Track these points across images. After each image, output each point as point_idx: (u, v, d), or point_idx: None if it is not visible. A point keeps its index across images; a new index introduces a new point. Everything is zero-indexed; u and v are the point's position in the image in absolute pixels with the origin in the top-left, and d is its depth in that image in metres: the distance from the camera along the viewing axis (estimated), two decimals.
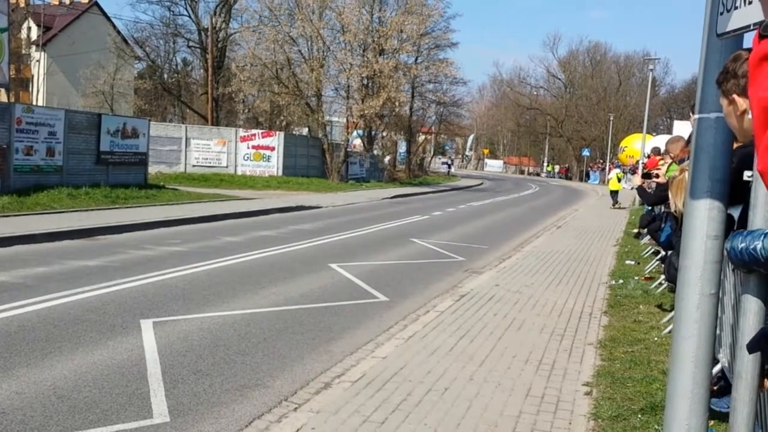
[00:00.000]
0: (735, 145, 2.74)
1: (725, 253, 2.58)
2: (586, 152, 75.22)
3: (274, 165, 34.12)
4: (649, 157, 18.39)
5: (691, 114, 7.36)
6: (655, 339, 7.09)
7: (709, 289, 2.68)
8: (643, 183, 9.61)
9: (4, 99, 23.00)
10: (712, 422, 4.32)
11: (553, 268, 12.07)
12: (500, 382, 5.67)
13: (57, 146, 19.08)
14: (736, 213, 3.09)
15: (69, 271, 9.63)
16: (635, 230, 17.98)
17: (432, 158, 73.66)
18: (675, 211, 5.11)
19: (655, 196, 8.65)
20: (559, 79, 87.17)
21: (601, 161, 72.60)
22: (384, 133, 49.28)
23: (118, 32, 50.75)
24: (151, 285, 9.05)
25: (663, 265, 11.42)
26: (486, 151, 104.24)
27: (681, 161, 7.25)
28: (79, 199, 17.63)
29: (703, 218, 2.66)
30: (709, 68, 2.59)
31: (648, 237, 14.20)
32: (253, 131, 35.79)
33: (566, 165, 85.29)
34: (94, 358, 5.95)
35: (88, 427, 4.57)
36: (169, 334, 6.82)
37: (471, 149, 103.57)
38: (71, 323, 6.97)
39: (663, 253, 11.68)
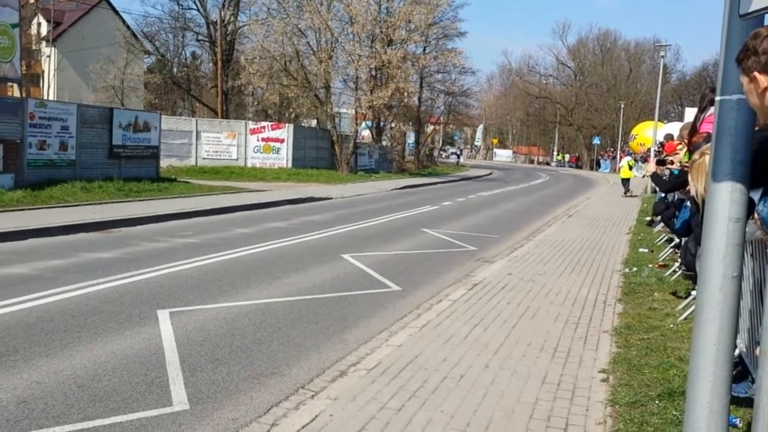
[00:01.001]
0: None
1: (757, 216, 2.58)
2: (596, 141, 74.77)
3: (283, 157, 34.16)
4: (662, 144, 18.26)
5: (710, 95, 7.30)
6: (671, 326, 7.08)
7: (731, 271, 2.68)
8: (658, 169, 9.56)
9: (17, 94, 23.09)
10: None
11: (566, 257, 12.06)
12: (516, 370, 5.68)
13: (70, 140, 19.17)
14: (756, 196, 3.08)
15: (85, 263, 9.70)
16: (648, 218, 17.92)
17: (441, 149, 73.51)
18: (695, 195, 5.08)
19: (670, 183, 8.60)
20: (569, 67, 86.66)
21: (612, 150, 72.25)
22: (393, 124, 49.21)
23: (128, 27, 50.79)
24: (166, 276, 9.10)
25: (677, 253, 11.40)
26: (495, 141, 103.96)
27: (695, 147, 7.21)
28: (93, 192, 17.72)
29: (725, 201, 2.65)
30: (731, 49, 2.58)
31: (661, 225, 14.14)
32: (263, 124, 35.81)
33: (576, 154, 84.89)
34: (113, 348, 6.01)
35: (109, 415, 4.62)
36: (186, 323, 6.87)
37: (480, 139, 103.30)
38: (89, 314, 7.02)
39: (677, 240, 11.66)
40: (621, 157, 45.19)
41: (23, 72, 19.63)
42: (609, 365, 5.83)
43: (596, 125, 77.95)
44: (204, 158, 32.83)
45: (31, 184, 17.10)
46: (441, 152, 73.06)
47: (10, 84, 27.20)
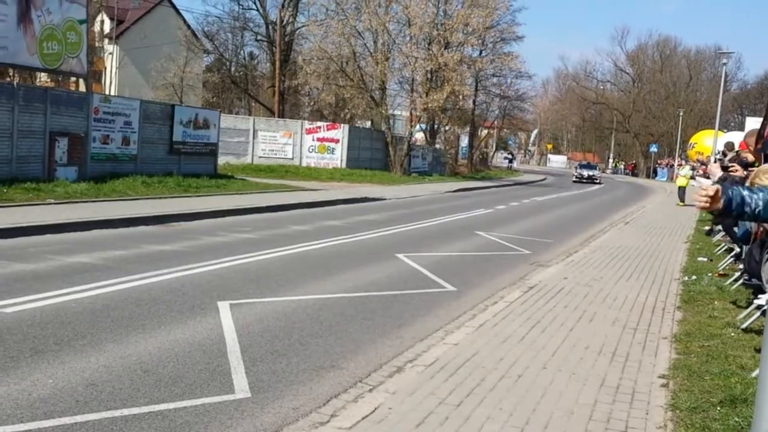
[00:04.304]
0: None
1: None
2: (653, 148, 73.32)
3: (338, 157, 34.44)
4: (724, 154, 17.82)
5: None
6: (732, 335, 6.94)
7: None
8: (723, 175, 9.36)
9: (83, 89, 23.82)
10: None
11: (623, 263, 11.89)
12: (574, 372, 5.65)
13: (132, 135, 19.68)
14: None
15: (147, 255, 9.97)
16: (707, 227, 17.53)
17: (494, 153, 73.03)
18: None
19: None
20: (627, 73, 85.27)
21: (671, 159, 70.71)
22: (447, 127, 49.12)
23: (188, 26, 51.88)
24: (226, 269, 9.29)
25: (737, 263, 11.14)
26: (550, 146, 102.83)
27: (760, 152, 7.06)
28: (153, 187, 18.16)
29: None
30: None
31: (721, 233, 13.84)
32: (318, 124, 36.17)
33: (633, 161, 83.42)
34: (176, 336, 6.17)
35: (174, 399, 4.76)
36: (246, 315, 7.02)
37: (534, 144, 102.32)
38: (152, 303, 7.23)
39: (737, 250, 11.40)
40: (680, 165, 44.19)
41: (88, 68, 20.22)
42: (669, 371, 5.76)
43: (654, 133, 76.50)
44: (260, 156, 33.33)
45: (94, 177, 17.60)
46: (494, 156, 72.39)
47: (74, 79, 28.08)
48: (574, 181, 51.29)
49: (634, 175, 78.36)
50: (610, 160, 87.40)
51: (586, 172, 53.58)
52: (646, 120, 78.20)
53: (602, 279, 10.20)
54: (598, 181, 52.01)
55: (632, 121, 79.19)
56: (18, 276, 8.01)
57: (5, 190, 14.32)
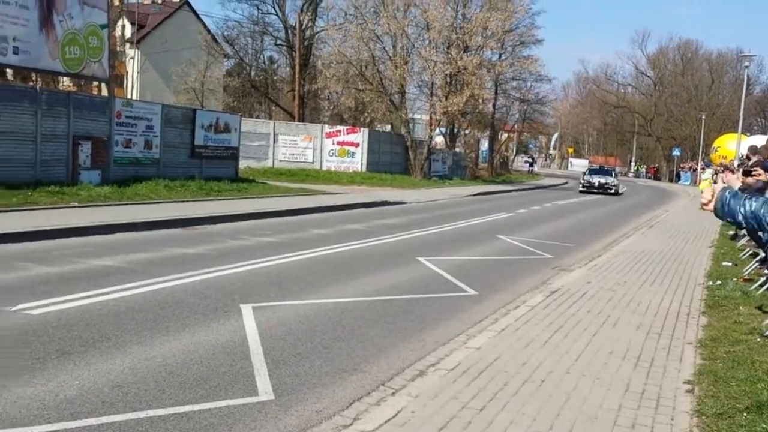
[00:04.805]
0: None
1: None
2: (676, 152, 72.68)
3: (358, 161, 34.49)
4: (748, 158, 17.63)
5: None
6: (758, 340, 6.85)
7: None
8: (743, 180, 9.26)
9: (105, 93, 24.06)
10: None
11: (647, 268, 11.79)
12: (598, 377, 5.61)
13: (154, 139, 19.85)
14: None
15: (170, 258, 10.05)
16: (731, 231, 17.34)
17: (515, 156, 72.74)
18: None
19: (760, 194, 8.32)
20: (648, 76, 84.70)
21: (694, 162, 70.01)
22: (467, 131, 49.03)
23: (208, 30, 52.24)
24: (248, 272, 9.34)
25: (763, 267, 11.00)
26: (571, 150, 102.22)
27: None
28: (175, 190, 18.30)
29: None
30: None
31: (746, 238, 13.69)
32: (338, 128, 36.26)
33: (655, 165, 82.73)
34: (200, 338, 6.21)
35: (199, 401, 4.79)
36: (269, 318, 7.05)
37: (555, 148, 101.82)
38: (176, 305, 7.28)
39: (763, 254, 11.25)
40: (703, 169, 43.82)
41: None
42: (694, 376, 5.70)
43: (676, 136, 75.87)
44: (280, 160, 33.48)
45: (117, 180, 17.77)
46: (514, 160, 72.04)
47: (96, 83, 28.36)
48: (581, 191, 38.40)
49: (657, 178, 77.68)
50: (632, 164, 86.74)
51: (597, 179, 39.11)
52: (668, 123, 77.58)
53: (626, 283, 10.12)
54: (613, 191, 38.57)
55: (654, 124, 78.59)
56: (43, 279, 8.10)
57: (30, 194, 14.49)
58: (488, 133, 54.55)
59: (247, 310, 7.23)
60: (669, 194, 45.68)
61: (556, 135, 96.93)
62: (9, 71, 30.18)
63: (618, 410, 4.88)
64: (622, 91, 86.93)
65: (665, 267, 12.04)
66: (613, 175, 41.11)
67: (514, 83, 50.96)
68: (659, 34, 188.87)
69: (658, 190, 50.99)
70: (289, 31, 46.78)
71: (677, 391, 5.36)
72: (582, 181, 40.04)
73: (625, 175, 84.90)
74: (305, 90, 42.49)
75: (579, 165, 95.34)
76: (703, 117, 66.21)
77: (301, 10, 44.53)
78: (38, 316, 6.49)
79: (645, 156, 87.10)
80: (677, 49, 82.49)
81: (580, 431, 4.47)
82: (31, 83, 30.04)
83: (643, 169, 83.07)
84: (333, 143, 34.56)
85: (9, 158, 15.49)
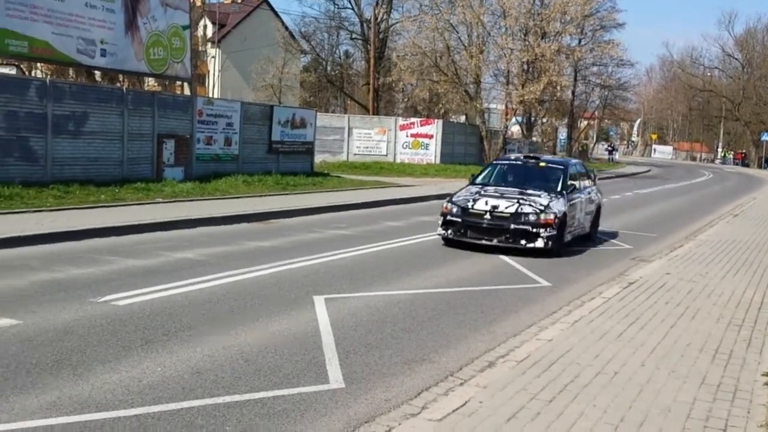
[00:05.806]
0: None
1: None
2: (765, 137, 69.48)
3: (432, 153, 34.42)
4: None
5: None
6: None
7: None
8: None
9: (188, 92, 24.81)
10: None
11: (730, 258, 11.41)
12: (674, 369, 5.50)
13: (234, 136, 20.36)
14: None
15: (246, 251, 10.34)
16: None
17: (595, 144, 71.07)
18: None
19: None
20: (736, 58, 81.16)
21: None
22: (544, 119, 48.22)
23: (286, 27, 53.09)
24: (321, 264, 9.52)
25: None
26: (654, 137, 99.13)
27: None
28: (253, 185, 18.73)
29: None
30: None
31: None
32: (412, 120, 36.28)
33: (743, 151, 79.39)
34: (274, 329, 6.40)
35: (273, 388, 4.96)
36: (340, 309, 7.19)
37: (637, 135, 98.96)
38: (251, 297, 7.51)
39: None
40: None
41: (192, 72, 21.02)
42: None
43: (765, 120, 72.47)
44: (355, 154, 33.74)
45: (198, 176, 18.32)
46: (594, 148, 70.36)
47: (179, 83, 29.26)
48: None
49: (745, 165, 74.57)
50: (719, 150, 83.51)
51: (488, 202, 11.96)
52: (757, 107, 74.18)
53: (707, 274, 9.82)
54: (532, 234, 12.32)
55: (742, 108, 75.32)
56: (130, 271, 8.48)
57: (117, 191, 15.12)
58: (566, 121, 53.50)
59: (319, 301, 7.39)
60: (757, 181, 43.83)
61: (638, 121, 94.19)
62: (97, 73, 31.41)
63: (692, 403, 4.78)
64: (709, 74, 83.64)
65: (750, 257, 11.62)
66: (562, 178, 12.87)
67: (594, 69, 49.90)
68: (747, 14, 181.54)
69: (746, 177, 49.00)
70: (365, 25, 47.03)
71: (755, 383, 5.22)
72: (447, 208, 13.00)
73: (712, 161, 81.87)
74: (380, 83, 42.65)
75: (663, 152, 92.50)
76: None
77: (377, 3, 44.67)
78: (125, 307, 6.81)
79: (732, 141, 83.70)
80: (766, 30, 78.79)
81: (652, 424, 4.40)
82: (118, 84, 31.24)
83: (730, 155, 79.83)
84: (407, 135, 34.60)
85: (99, 157, 16.17)
